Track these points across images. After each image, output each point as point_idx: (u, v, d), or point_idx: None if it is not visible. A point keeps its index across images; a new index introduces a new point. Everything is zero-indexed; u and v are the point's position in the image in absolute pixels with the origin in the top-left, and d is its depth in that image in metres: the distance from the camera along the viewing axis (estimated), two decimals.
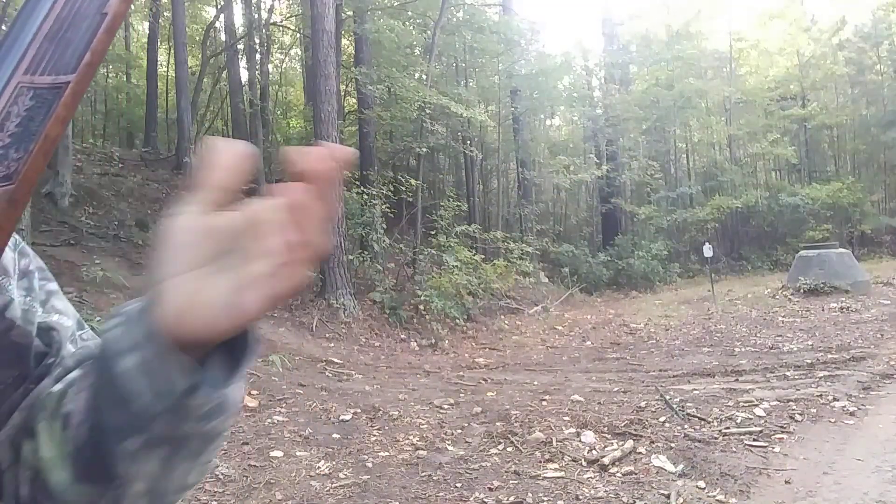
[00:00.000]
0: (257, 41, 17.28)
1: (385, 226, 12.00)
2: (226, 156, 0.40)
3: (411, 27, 16.02)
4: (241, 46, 18.76)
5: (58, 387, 0.52)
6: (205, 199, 0.40)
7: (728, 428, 4.83)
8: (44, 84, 0.32)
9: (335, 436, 4.99)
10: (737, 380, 6.49)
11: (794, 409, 5.17)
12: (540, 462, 4.34)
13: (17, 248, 0.61)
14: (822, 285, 11.98)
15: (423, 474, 4.21)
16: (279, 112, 21.92)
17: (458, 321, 11.17)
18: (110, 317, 0.44)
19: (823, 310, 10.72)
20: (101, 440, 0.44)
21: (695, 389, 6.09)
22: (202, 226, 0.40)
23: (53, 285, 0.63)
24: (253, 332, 0.45)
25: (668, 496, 3.66)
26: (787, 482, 3.79)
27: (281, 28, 20.32)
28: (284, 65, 23.76)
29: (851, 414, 5.04)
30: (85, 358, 0.56)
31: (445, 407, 5.92)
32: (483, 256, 13.99)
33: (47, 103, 0.32)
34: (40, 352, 0.56)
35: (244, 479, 4.01)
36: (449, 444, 4.83)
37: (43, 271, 0.62)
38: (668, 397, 5.74)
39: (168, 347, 0.40)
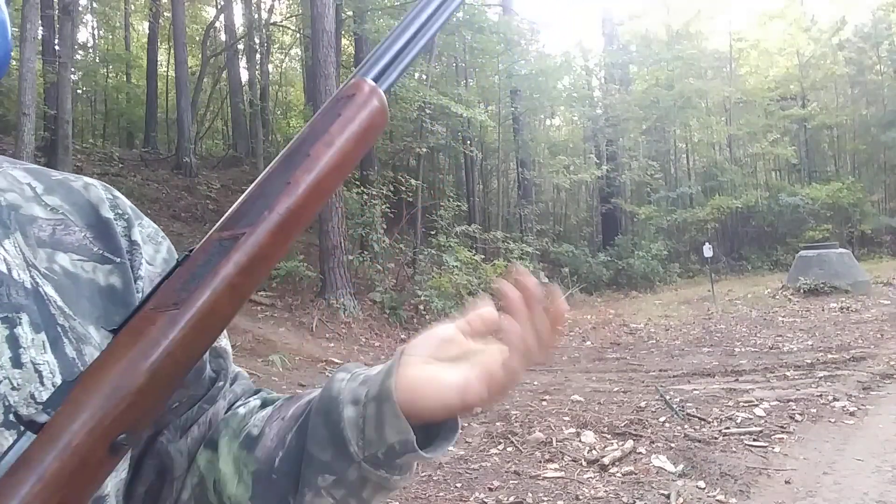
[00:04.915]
0: (257, 41, 17.31)
1: (385, 226, 12.00)
2: (486, 312, 0.52)
3: None
4: (241, 46, 18.79)
5: (240, 410, 0.61)
6: (464, 324, 0.52)
7: (728, 428, 4.83)
8: (225, 236, 0.40)
9: None
10: (737, 380, 6.48)
11: (794, 409, 5.17)
12: (540, 462, 4.34)
13: None
14: (822, 285, 11.98)
15: (423, 474, 4.21)
16: (279, 112, 21.94)
17: None
18: (336, 372, 0.54)
19: (823, 310, 10.72)
20: (298, 471, 0.52)
21: (695, 389, 6.09)
22: (453, 336, 0.51)
23: None
24: (456, 422, 0.52)
25: (668, 496, 3.66)
26: (787, 482, 3.79)
27: (281, 28, 20.32)
28: (284, 65, 23.77)
29: (851, 414, 5.04)
30: (252, 391, 0.66)
31: None
32: (483, 256, 13.98)
33: (224, 249, 0.39)
34: (211, 376, 0.63)
35: None
36: None
37: None
38: (668, 397, 5.74)
39: (393, 409, 0.47)
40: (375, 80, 0.45)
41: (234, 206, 0.42)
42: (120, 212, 0.61)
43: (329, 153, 0.41)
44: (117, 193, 0.63)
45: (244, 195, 0.42)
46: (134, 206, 0.64)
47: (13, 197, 0.55)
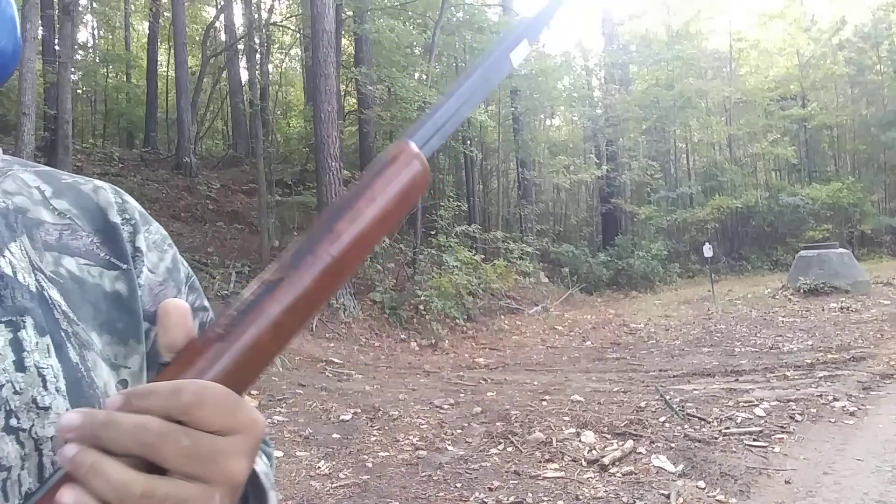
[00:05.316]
0: (257, 41, 17.28)
1: None
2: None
3: (411, 27, 16.01)
4: (241, 46, 18.78)
5: None
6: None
7: (728, 428, 4.83)
8: (272, 278, 0.42)
9: (335, 436, 4.99)
10: (737, 380, 6.49)
11: (794, 409, 5.17)
12: (540, 462, 4.34)
13: (188, 282, 0.64)
14: (822, 285, 11.97)
15: (423, 474, 4.21)
16: (279, 112, 21.91)
17: (458, 321, 11.16)
18: None
19: (823, 310, 10.72)
20: None
21: (695, 389, 6.09)
22: None
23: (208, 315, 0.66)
24: None
25: (668, 496, 3.66)
26: (787, 482, 3.79)
27: (281, 28, 20.31)
28: (284, 65, 23.75)
29: (851, 414, 5.04)
30: None
31: (445, 407, 5.92)
32: (483, 256, 13.98)
33: (270, 289, 0.41)
34: None
35: None
36: (449, 444, 4.83)
37: (206, 311, 0.65)
38: (668, 397, 5.75)
39: None
40: (419, 142, 0.48)
41: (283, 254, 0.44)
42: (127, 216, 0.60)
43: (371, 208, 0.44)
44: (127, 198, 0.62)
45: (292, 245, 0.44)
46: (144, 211, 0.63)
47: (21, 200, 0.55)
